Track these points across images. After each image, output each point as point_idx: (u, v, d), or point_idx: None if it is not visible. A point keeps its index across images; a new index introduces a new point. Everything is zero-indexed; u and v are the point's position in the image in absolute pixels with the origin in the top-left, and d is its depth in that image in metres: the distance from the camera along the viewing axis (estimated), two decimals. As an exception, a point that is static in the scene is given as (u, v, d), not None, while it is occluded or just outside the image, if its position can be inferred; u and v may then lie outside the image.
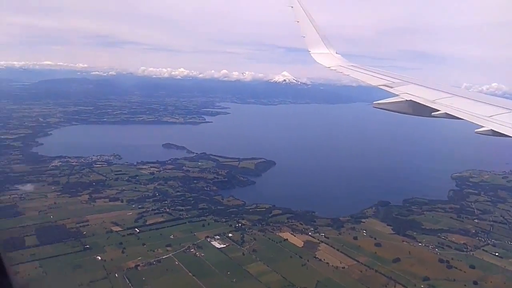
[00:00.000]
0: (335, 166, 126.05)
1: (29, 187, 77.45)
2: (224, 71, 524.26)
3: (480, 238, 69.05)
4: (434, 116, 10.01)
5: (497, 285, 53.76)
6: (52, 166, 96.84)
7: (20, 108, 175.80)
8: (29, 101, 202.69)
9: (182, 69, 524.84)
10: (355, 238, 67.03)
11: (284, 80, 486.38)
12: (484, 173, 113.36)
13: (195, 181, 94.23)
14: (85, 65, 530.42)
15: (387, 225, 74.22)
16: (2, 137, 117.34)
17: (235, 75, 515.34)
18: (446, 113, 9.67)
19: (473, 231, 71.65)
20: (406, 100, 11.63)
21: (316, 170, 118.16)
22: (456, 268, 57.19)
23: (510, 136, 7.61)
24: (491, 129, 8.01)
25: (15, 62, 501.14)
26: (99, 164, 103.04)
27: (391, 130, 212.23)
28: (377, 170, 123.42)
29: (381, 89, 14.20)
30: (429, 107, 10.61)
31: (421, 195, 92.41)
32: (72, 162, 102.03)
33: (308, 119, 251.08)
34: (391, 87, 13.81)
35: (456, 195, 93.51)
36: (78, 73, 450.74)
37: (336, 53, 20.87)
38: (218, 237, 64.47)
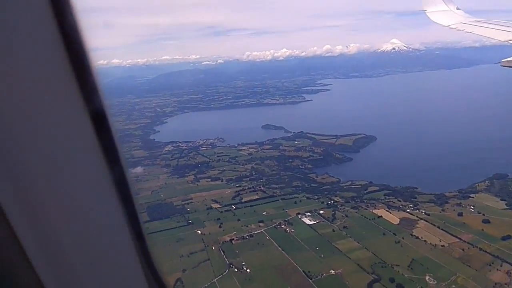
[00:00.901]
0: (447, 138, 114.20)
1: (145, 170, 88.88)
2: (327, 46, 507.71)
3: None
4: None
5: None
6: (165, 150, 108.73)
7: (141, 101, 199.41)
8: (149, 94, 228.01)
9: (284, 50, 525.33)
10: (460, 214, 61.06)
11: (393, 48, 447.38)
12: None
13: (290, 160, 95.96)
14: (197, 56, 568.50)
15: (501, 200, 65.65)
16: (126, 127, 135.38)
17: (338, 49, 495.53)
18: None
19: None
20: None
21: (424, 144, 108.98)
22: None
23: None
24: None
25: (139, 60, 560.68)
26: (204, 147, 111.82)
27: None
28: (499, 140, 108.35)
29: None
30: None
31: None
32: (182, 146, 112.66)
33: (418, 88, 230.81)
34: None
35: None
36: (191, 65, 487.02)
37: (457, 9, 19.24)
38: (309, 214, 65.22)
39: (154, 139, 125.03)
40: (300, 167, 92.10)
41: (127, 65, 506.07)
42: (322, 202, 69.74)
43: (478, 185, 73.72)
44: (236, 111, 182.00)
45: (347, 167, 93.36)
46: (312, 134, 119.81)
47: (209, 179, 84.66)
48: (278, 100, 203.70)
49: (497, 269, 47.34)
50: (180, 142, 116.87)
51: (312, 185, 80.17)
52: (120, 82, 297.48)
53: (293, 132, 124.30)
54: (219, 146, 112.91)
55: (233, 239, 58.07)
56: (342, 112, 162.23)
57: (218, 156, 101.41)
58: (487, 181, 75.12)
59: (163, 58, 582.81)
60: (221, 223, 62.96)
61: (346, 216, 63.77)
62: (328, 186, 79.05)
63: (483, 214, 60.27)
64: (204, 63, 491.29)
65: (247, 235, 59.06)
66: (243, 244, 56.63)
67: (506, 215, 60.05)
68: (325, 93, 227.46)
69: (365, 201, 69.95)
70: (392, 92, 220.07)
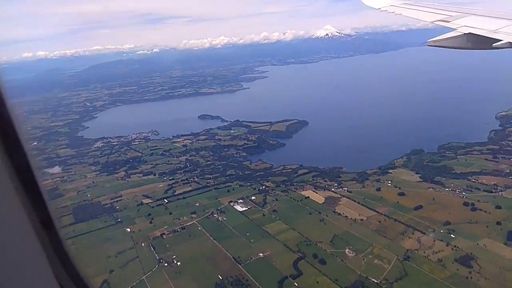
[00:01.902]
0: (372, 119, 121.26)
1: (71, 169, 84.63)
2: (264, 33, 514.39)
3: (513, 177, 64.64)
4: (496, 48, 8.98)
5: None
6: (95, 147, 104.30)
7: (69, 95, 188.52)
8: (79, 87, 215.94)
9: (222, 37, 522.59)
10: (378, 189, 65.92)
11: (327, 35, 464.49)
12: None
13: (225, 149, 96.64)
14: (131, 46, 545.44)
15: (416, 173, 71.78)
16: (51, 124, 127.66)
17: (275, 36, 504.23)
18: (510, 42, 8.56)
19: (507, 171, 67.07)
20: (465, 33, 10.74)
21: (350, 126, 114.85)
22: (481, 210, 55.15)
23: None
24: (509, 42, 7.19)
25: (67, 51, 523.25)
26: (137, 142, 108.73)
27: (442, 73, 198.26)
28: (418, 118, 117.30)
29: (437, 25, 13.25)
30: (491, 38, 9.59)
31: (460, 139, 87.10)
32: (113, 142, 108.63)
33: (348, 73, 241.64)
34: (448, 22, 12.83)
35: (496, 135, 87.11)
36: (124, 54, 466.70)
37: None
38: (241, 201, 66.53)
39: (82, 136, 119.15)
40: (235, 155, 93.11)
41: (54, 57, 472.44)
42: (254, 189, 71.32)
43: (396, 161, 79.61)
44: (172, 102, 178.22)
45: (280, 153, 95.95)
46: (248, 122, 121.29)
47: (141, 174, 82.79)
48: (215, 89, 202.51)
49: (409, 237, 51.88)
50: (111, 138, 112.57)
51: (246, 172, 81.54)
52: (46, 76, 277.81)
53: (229, 121, 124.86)
54: (153, 140, 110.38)
55: (164, 233, 57.59)
56: (278, 99, 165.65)
57: (151, 150, 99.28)
58: (404, 157, 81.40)
59: (94, 48, 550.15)
60: (152, 219, 62.05)
61: (276, 200, 65.92)
62: (261, 172, 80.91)
63: (399, 188, 65.50)
64: (139, 52, 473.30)
65: (179, 228, 58.89)
66: (174, 238, 56.42)
67: (419, 187, 65.76)
68: (262, 80, 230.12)
69: (295, 184, 72.69)
70: (324, 77, 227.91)
